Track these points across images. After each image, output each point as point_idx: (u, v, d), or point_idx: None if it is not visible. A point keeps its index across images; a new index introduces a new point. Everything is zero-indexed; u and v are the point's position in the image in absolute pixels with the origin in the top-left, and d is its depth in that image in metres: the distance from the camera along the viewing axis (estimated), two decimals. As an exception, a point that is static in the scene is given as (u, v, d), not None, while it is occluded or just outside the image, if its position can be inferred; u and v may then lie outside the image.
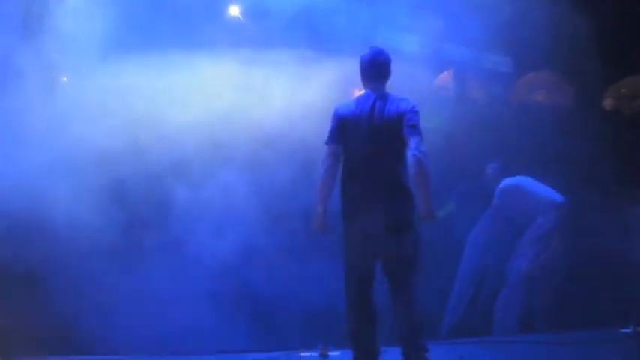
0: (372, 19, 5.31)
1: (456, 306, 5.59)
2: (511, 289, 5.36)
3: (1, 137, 4.81)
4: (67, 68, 5.27)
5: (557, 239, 5.32)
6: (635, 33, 5.49)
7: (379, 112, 3.70)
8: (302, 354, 4.71)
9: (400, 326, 3.69)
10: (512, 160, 5.69)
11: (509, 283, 5.39)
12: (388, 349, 3.86)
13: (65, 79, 5.41)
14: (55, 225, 4.81)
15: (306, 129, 4.89)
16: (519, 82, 6.35)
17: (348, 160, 3.76)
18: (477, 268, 5.60)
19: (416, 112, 3.67)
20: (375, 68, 3.82)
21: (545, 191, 5.40)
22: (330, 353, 4.62)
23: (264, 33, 5.37)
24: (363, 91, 3.89)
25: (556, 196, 5.35)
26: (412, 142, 3.57)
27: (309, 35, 5.37)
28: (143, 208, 5.21)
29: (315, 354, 4.61)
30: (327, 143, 3.78)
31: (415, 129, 3.61)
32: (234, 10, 5.68)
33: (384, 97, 3.75)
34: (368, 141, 3.68)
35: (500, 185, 5.54)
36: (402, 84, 4.08)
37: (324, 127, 3.82)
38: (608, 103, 5.74)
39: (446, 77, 6.40)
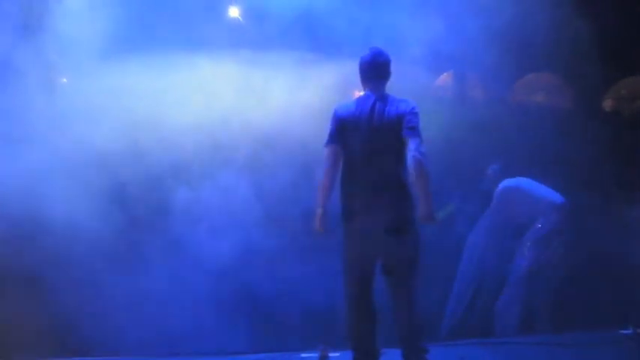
0: (372, 20, 5.31)
1: (455, 308, 5.57)
2: (511, 289, 5.36)
3: (1, 138, 4.81)
4: (66, 69, 5.27)
5: (558, 240, 5.31)
6: (635, 34, 5.49)
7: (379, 114, 3.70)
8: (302, 355, 4.71)
9: (400, 327, 3.69)
10: (512, 161, 5.69)
11: (510, 283, 5.39)
12: (388, 351, 3.85)
13: (65, 79, 5.41)
14: (54, 226, 4.81)
15: (306, 130, 4.89)
16: (519, 84, 6.35)
17: (347, 161, 3.75)
18: (476, 269, 5.59)
19: (415, 114, 3.67)
20: (375, 69, 3.82)
21: (545, 192, 5.40)
22: (330, 354, 4.61)
23: (264, 34, 5.37)
24: (362, 93, 3.89)
25: (556, 197, 5.35)
26: (412, 144, 3.57)
27: (309, 37, 5.38)
28: (143, 209, 5.21)
29: (315, 355, 4.60)
30: (326, 144, 3.78)
31: (415, 130, 3.61)
32: (234, 12, 5.68)
33: (383, 98, 3.75)
34: (367, 142, 3.68)
35: (500, 186, 5.53)
36: (401, 85, 4.08)
37: (323, 129, 3.82)
38: (608, 104, 5.74)
39: (446, 78, 6.42)
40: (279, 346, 4.99)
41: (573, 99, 6.14)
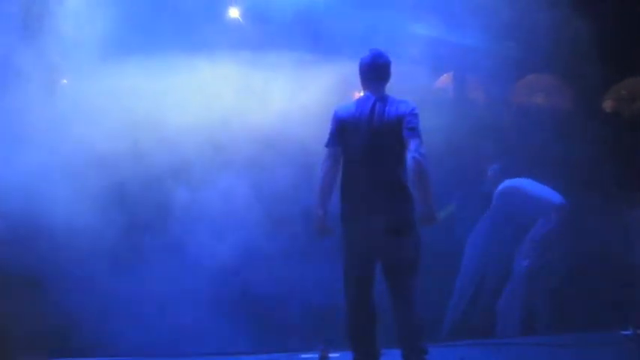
0: (372, 21, 5.31)
1: (458, 302, 5.60)
2: (512, 289, 5.37)
3: (1, 138, 4.81)
4: (67, 70, 5.27)
5: (558, 240, 5.32)
6: (635, 34, 5.49)
7: (379, 115, 3.70)
8: (302, 356, 4.71)
9: (400, 328, 3.70)
10: (512, 162, 5.69)
11: (510, 283, 5.39)
12: (388, 351, 3.86)
13: (65, 80, 5.41)
14: (54, 227, 4.80)
15: (306, 131, 4.89)
16: (519, 85, 6.35)
17: (347, 163, 3.76)
18: (477, 268, 5.60)
19: (415, 115, 3.67)
20: (375, 71, 3.82)
21: (545, 192, 5.41)
22: (330, 355, 4.61)
23: (264, 35, 5.38)
24: (362, 94, 3.89)
25: (556, 197, 5.35)
26: (412, 145, 3.57)
27: (309, 38, 5.38)
28: (143, 210, 5.20)
29: (315, 356, 4.60)
30: (326, 145, 3.79)
31: (415, 131, 3.61)
32: (234, 13, 5.68)
33: (383, 99, 3.76)
34: (367, 143, 3.68)
35: (501, 186, 5.54)
36: (401, 86, 4.08)
37: (323, 130, 3.83)
38: (608, 105, 5.73)
39: (446, 79, 6.42)
40: (279, 346, 4.99)
41: (573, 100, 6.14)
